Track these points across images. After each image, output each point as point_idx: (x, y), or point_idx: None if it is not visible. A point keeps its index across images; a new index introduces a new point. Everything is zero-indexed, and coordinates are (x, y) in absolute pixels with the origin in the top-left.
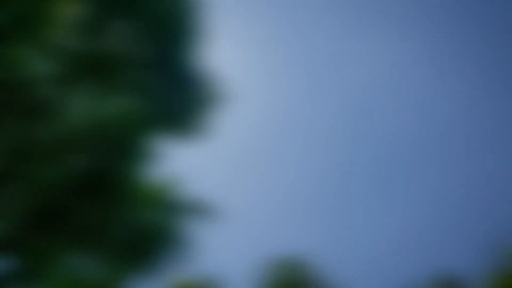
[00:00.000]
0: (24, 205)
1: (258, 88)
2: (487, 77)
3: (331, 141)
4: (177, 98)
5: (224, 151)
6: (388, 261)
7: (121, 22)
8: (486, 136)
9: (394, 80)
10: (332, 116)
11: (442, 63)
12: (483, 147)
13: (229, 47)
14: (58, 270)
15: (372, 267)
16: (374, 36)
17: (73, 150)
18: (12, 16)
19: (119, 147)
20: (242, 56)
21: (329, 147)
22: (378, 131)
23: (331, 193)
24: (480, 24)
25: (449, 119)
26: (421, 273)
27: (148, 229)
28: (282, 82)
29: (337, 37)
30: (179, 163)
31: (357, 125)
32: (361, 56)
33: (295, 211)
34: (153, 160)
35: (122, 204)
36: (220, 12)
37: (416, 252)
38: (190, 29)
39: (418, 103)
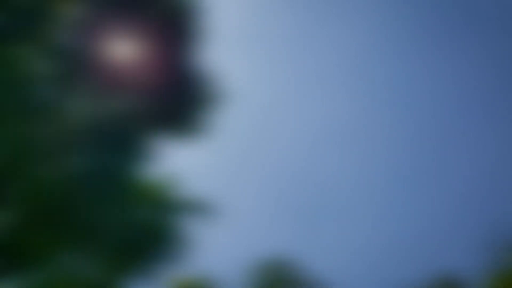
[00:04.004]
0: (23, 205)
1: (257, 88)
2: (484, 77)
3: (330, 140)
4: (176, 98)
5: (222, 150)
6: (388, 261)
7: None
8: (486, 136)
9: (392, 78)
10: (331, 115)
11: (438, 62)
12: (483, 147)
13: (228, 47)
14: (56, 269)
15: (372, 268)
16: (372, 35)
17: (72, 149)
18: (12, 16)
19: (118, 147)
20: (241, 56)
21: (328, 146)
22: (378, 132)
23: (330, 193)
24: (475, 23)
25: (448, 119)
26: (422, 274)
27: (146, 228)
28: (281, 81)
29: (336, 36)
30: (178, 162)
31: (358, 124)
32: (359, 55)
33: (293, 211)
34: (152, 159)
35: (121, 203)
36: (219, 12)
37: (417, 252)
38: (190, 29)
39: (417, 102)
